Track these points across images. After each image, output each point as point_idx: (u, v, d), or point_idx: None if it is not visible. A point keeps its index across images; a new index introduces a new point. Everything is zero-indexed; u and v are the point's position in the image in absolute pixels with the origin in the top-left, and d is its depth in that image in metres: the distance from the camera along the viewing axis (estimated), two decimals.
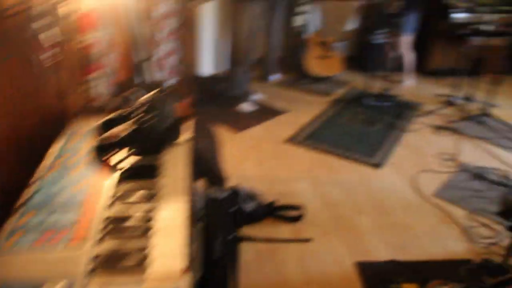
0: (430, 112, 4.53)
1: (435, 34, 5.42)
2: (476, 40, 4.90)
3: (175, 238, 1.23)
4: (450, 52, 5.39)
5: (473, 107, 4.60)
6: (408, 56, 5.07)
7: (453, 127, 4.20)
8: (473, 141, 3.99)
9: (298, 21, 5.29)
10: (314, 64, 5.21)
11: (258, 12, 4.38)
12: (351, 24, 5.80)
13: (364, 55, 5.58)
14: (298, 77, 5.31)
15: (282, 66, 5.44)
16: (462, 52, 4.81)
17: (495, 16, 5.17)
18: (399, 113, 4.48)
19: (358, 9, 5.70)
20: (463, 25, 5.07)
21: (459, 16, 5.13)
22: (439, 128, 4.19)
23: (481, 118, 4.38)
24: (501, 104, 4.67)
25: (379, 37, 5.33)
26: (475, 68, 4.88)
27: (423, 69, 5.50)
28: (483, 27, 4.91)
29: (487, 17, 5.03)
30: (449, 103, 4.69)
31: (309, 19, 5.26)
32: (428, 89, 5.18)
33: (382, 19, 5.14)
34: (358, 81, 5.22)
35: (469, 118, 4.40)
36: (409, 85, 5.20)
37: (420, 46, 5.28)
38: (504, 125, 4.30)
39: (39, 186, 1.47)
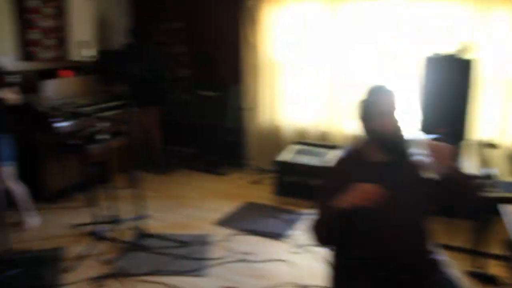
0: (80, 258, 3.40)
1: (44, 151, 4.33)
2: (94, 147, 4.13)
3: None
4: (70, 167, 4.44)
5: (126, 229, 3.77)
6: (15, 189, 3.80)
7: (117, 271, 3.22)
8: (145, 283, 3.11)
9: None
10: None
11: None
12: None
13: None
14: None
15: None
16: (83, 165, 3.95)
17: (107, 114, 4.55)
18: (37, 277, 3.16)
19: None
20: (72, 134, 4.23)
21: (65, 124, 4.25)
22: (99, 280, 3.12)
23: (140, 241, 3.59)
24: (151, 213, 4.03)
25: None
26: (103, 176, 4.12)
27: (42, 198, 4.31)
28: (98, 134, 4.17)
29: (96, 121, 4.32)
30: (98, 236, 3.68)
31: None
32: (60, 222, 4.01)
33: None
34: None
35: (130, 248, 3.52)
36: (32, 226, 3.92)
37: (29, 173, 4.10)
38: (165, 240, 3.63)
39: None
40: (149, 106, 5.36)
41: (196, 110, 5.58)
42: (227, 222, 4.06)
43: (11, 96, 3.65)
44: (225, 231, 3.88)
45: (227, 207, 4.37)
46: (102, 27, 5.49)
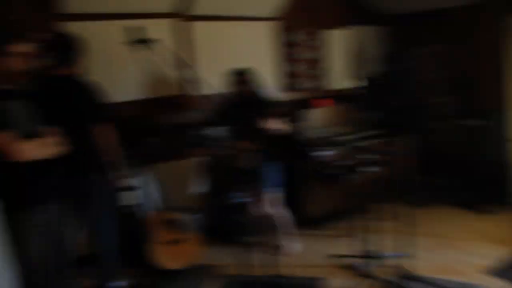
0: None
1: (303, 179, 4.50)
2: (353, 177, 4.09)
3: None
4: (328, 196, 4.51)
5: (385, 265, 3.59)
6: (281, 215, 3.98)
7: None
8: None
9: (128, 198, 3.90)
10: (163, 254, 3.78)
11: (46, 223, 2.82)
12: (197, 187, 4.59)
13: (224, 222, 4.37)
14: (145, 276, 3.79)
15: (125, 265, 3.87)
16: (341, 194, 3.94)
17: (365, 143, 4.51)
18: None
19: (201, 166, 4.57)
20: (330, 163, 4.29)
21: (323, 153, 4.33)
22: None
23: (403, 283, 3.35)
24: (410, 251, 3.76)
25: (237, 196, 4.24)
26: (361, 207, 4.03)
27: (300, 224, 4.46)
28: (356, 164, 4.13)
29: (355, 151, 4.31)
30: (356, 270, 3.60)
31: (144, 193, 3.97)
32: (318, 251, 4.08)
33: (234, 175, 4.09)
34: (229, 260, 3.91)
35: None
36: (293, 251, 4.06)
37: (292, 199, 4.29)
38: (431, 285, 3.31)
39: None
40: (406, 135, 5.12)
41: (454, 140, 5.12)
42: (502, 272, 3.52)
43: (278, 126, 3.87)
44: (499, 283, 3.36)
45: (496, 253, 3.81)
46: (359, 55, 5.52)
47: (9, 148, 2.29)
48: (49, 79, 3.25)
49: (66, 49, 3.15)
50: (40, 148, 2.46)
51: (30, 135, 2.48)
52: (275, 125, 3.82)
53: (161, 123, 4.30)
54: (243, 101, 3.92)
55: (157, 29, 3.98)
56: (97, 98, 3.33)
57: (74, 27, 3.61)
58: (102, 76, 3.64)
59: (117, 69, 3.92)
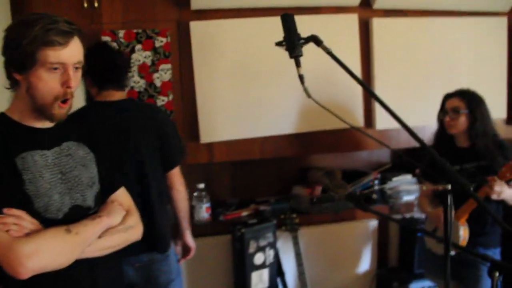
0: None
1: None
2: None
3: None
4: None
5: None
6: None
7: None
8: None
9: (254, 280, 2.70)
10: None
11: None
12: (362, 264, 3.20)
13: None
14: None
15: None
16: None
17: None
18: None
19: (372, 235, 3.20)
20: None
21: None
22: None
23: None
24: None
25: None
26: None
27: None
28: None
29: None
30: None
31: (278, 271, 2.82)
32: None
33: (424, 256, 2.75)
34: None
35: None
36: None
37: None
38: None
39: None
40: None
41: None
42: None
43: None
44: None
45: None
46: None
47: (11, 252, 1.17)
48: (91, 108, 2.20)
49: (107, 64, 2.13)
50: (79, 244, 1.29)
51: (71, 216, 1.35)
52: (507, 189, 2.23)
53: (314, 169, 3.05)
54: (458, 143, 2.49)
55: (328, 28, 2.64)
56: (175, 129, 2.29)
57: (205, 26, 2.56)
58: (228, 97, 2.51)
59: (263, 86, 2.68)
